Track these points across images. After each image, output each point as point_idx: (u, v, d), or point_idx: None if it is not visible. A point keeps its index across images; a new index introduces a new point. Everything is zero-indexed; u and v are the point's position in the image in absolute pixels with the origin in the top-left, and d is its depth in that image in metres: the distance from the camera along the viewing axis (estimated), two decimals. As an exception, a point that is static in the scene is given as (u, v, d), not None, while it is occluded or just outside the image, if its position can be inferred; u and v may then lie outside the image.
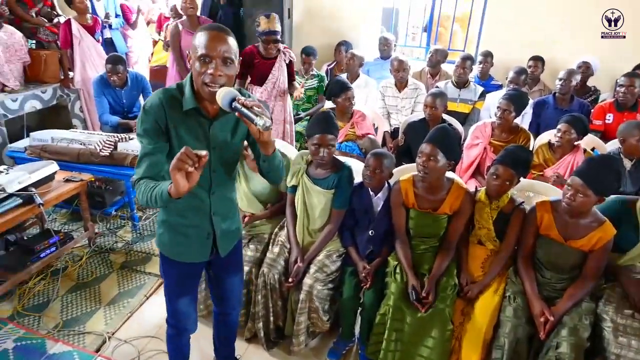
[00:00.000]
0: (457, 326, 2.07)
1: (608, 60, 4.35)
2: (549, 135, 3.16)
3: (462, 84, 3.93)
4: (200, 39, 1.38)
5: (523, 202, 2.19)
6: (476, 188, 2.30)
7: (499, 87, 4.35)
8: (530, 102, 3.68)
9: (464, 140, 3.30)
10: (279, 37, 3.28)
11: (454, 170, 2.84)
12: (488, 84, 4.35)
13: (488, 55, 4.35)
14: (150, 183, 1.40)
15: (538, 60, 4.26)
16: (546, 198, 2.13)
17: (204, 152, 1.24)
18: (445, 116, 3.35)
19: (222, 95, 1.34)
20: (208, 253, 1.71)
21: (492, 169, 2.14)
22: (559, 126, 2.82)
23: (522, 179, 2.18)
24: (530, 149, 3.06)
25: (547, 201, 2.08)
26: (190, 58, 1.42)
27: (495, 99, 3.76)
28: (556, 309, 1.94)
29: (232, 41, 1.41)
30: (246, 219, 2.44)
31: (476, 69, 4.40)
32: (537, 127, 3.70)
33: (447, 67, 4.59)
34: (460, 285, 2.13)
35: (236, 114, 1.34)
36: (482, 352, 2.00)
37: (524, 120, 3.75)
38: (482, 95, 3.91)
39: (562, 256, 2.02)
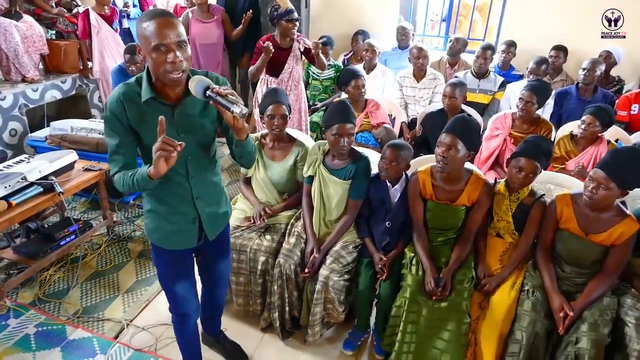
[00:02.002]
0: (474, 319, 2.04)
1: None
2: (571, 127, 3.09)
3: (482, 74, 3.86)
4: (149, 29, 1.35)
5: (543, 194, 2.15)
6: (495, 180, 2.26)
7: (520, 77, 4.25)
8: (552, 92, 3.59)
9: (483, 131, 3.25)
10: (297, 16, 3.26)
11: (472, 162, 2.80)
12: (509, 74, 4.26)
13: (511, 45, 4.24)
14: (129, 172, 1.49)
15: (560, 49, 4.15)
16: (567, 191, 2.08)
17: (182, 143, 1.35)
18: (464, 106, 3.30)
19: (195, 84, 1.38)
20: (195, 239, 1.73)
21: (513, 162, 2.09)
22: (583, 118, 2.75)
23: (543, 170, 2.14)
24: (552, 139, 2.99)
25: (567, 194, 2.03)
26: (141, 51, 1.42)
27: (516, 89, 3.69)
28: (576, 304, 1.90)
29: (178, 22, 1.41)
30: (264, 215, 2.44)
31: (497, 59, 4.31)
32: (559, 119, 3.62)
33: (466, 57, 4.51)
34: (478, 278, 2.10)
35: (210, 102, 1.38)
36: (499, 346, 1.98)
37: (545, 111, 3.67)
38: (502, 86, 3.84)
39: (583, 250, 1.98)
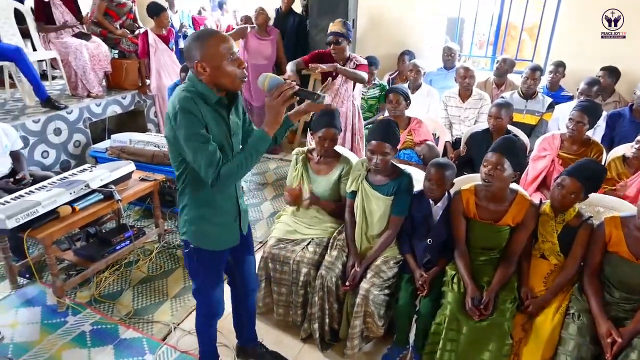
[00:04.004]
0: (517, 341, 2.01)
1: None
2: (624, 149, 3.00)
3: (530, 94, 3.81)
4: (217, 44, 1.53)
5: (591, 216, 2.10)
6: (541, 200, 2.23)
7: (570, 98, 4.17)
8: (604, 114, 3.50)
9: (530, 153, 3.21)
10: (340, 38, 3.33)
11: (518, 183, 2.77)
12: (558, 95, 4.18)
13: (560, 66, 4.18)
14: (235, 158, 1.58)
15: (606, 70, 4.05)
16: (616, 213, 2.03)
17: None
18: (510, 127, 3.27)
19: (269, 81, 1.56)
20: (238, 235, 1.89)
21: (559, 179, 2.07)
22: (638, 138, 2.68)
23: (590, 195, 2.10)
24: (603, 163, 2.92)
25: (617, 216, 1.98)
26: (207, 66, 1.53)
27: (565, 110, 3.62)
28: (625, 330, 1.84)
29: None
30: (310, 201, 2.54)
31: (545, 79, 4.25)
32: (611, 141, 3.51)
33: (513, 78, 4.47)
34: (521, 300, 2.07)
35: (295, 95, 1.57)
36: (542, 370, 1.94)
37: (596, 133, 3.58)
38: (551, 107, 3.78)
39: (633, 275, 1.92)
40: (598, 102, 3.35)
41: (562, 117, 3.68)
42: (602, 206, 2.38)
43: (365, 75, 3.35)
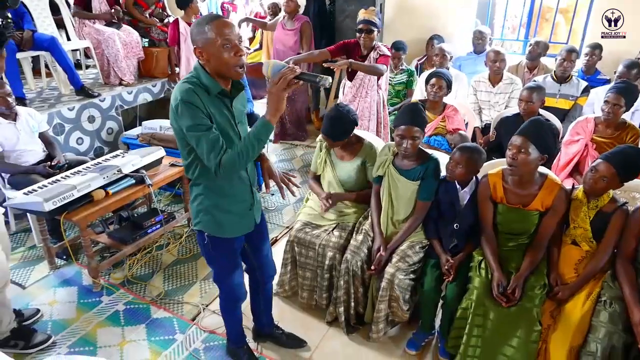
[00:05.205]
0: (545, 328, 1.98)
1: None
2: (663, 134, 2.88)
3: (564, 78, 3.69)
4: (214, 30, 1.48)
5: (626, 202, 2.04)
6: (573, 185, 2.17)
7: (606, 81, 4.00)
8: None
9: (562, 137, 3.11)
10: (372, 27, 3.30)
11: (549, 167, 2.71)
12: (594, 79, 4.02)
13: (596, 48, 4.01)
14: (236, 146, 1.56)
15: None
16: (654, 199, 1.96)
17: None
18: (541, 111, 3.17)
19: (272, 67, 1.52)
20: (253, 223, 1.91)
21: (594, 163, 2.01)
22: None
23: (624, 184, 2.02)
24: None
25: (654, 202, 1.92)
26: (204, 52, 1.52)
27: (601, 94, 3.48)
28: (659, 319, 1.79)
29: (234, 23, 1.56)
30: (330, 200, 2.50)
31: (580, 62, 4.10)
32: (649, 126, 3.38)
33: (546, 61, 4.33)
34: (550, 286, 2.03)
35: (300, 81, 1.52)
36: (570, 358, 1.90)
37: (635, 117, 3.44)
38: (586, 91, 3.64)
39: (670, 263, 1.86)
40: (635, 84, 3.20)
41: (597, 101, 3.54)
42: (638, 192, 2.30)
43: (383, 68, 3.34)
